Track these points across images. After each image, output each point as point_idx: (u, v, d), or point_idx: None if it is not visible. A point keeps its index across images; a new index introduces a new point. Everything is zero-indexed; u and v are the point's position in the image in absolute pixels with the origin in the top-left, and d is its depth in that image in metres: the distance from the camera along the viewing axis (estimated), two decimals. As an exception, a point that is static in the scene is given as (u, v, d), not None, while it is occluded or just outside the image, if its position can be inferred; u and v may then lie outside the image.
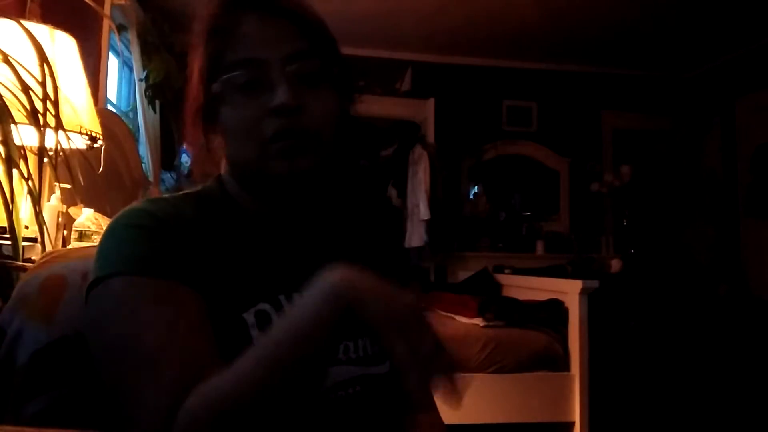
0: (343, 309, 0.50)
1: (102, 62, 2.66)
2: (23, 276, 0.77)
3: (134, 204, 0.65)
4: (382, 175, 4.29)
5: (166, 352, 0.53)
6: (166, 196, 0.69)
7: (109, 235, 0.62)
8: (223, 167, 0.74)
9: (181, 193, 0.71)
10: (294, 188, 0.68)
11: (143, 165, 3.11)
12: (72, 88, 1.45)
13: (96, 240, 1.65)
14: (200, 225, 0.65)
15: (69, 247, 1.69)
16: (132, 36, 3.24)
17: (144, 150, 3.31)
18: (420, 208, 4.09)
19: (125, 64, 3.60)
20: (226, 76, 0.64)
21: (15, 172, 0.71)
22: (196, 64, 0.67)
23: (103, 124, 1.57)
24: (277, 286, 0.66)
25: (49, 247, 1.32)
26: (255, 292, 0.64)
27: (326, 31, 0.69)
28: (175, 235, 0.61)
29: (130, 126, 3.16)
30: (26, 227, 1.44)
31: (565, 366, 2.73)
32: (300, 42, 0.65)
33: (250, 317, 0.62)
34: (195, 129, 0.68)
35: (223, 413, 0.50)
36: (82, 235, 1.65)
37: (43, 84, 0.79)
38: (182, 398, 0.51)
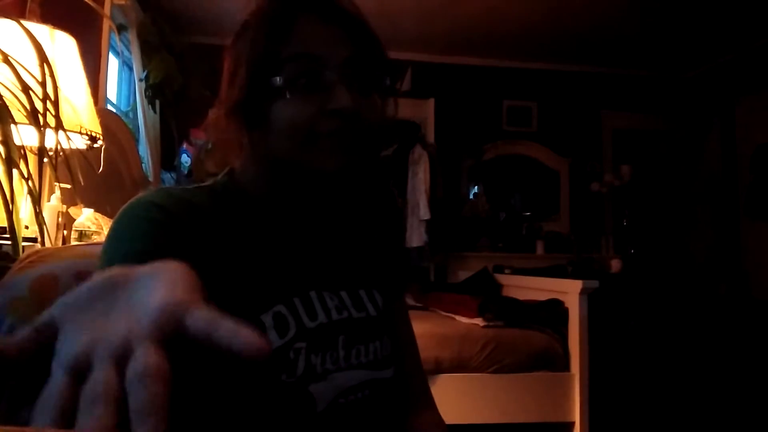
0: None
1: (102, 62, 2.66)
2: (6, 277, 0.74)
3: (149, 193, 0.62)
4: (384, 173, 4.29)
5: None
6: (180, 187, 0.67)
7: (118, 224, 0.60)
8: (240, 162, 0.71)
9: (193, 186, 0.69)
10: (332, 185, 0.67)
11: (143, 165, 3.10)
12: (72, 88, 1.44)
13: (95, 240, 1.66)
14: (215, 217, 0.64)
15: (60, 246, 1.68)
16: (132, 36, 3.24)
17: (144, 150, 3.31)
18: (420, 208, 4.09)
19: (125, 64, 3.60)
20: (281, 70, 0.62)
21: (15, 172, 0.71)
22: (243, 57, 0.65)
23: (103, 124, 1.57)
24: (292, 287, 0.66)
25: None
26: (272, 294, 0.63)
27: (377, 39, 0.69)
28: (185, 230, 0.60)
29: (130, 126, 3.16)
30: (26, 227, 1.44)
31: (565, 366, 2.73)
32: (355, 47, 0.65)
33: (267, 319, 0.61)
34: (229, 122, 0.66)
35: None
36: (82, 235, 1.65)
37: (43, 84, 0.79)
38: None
